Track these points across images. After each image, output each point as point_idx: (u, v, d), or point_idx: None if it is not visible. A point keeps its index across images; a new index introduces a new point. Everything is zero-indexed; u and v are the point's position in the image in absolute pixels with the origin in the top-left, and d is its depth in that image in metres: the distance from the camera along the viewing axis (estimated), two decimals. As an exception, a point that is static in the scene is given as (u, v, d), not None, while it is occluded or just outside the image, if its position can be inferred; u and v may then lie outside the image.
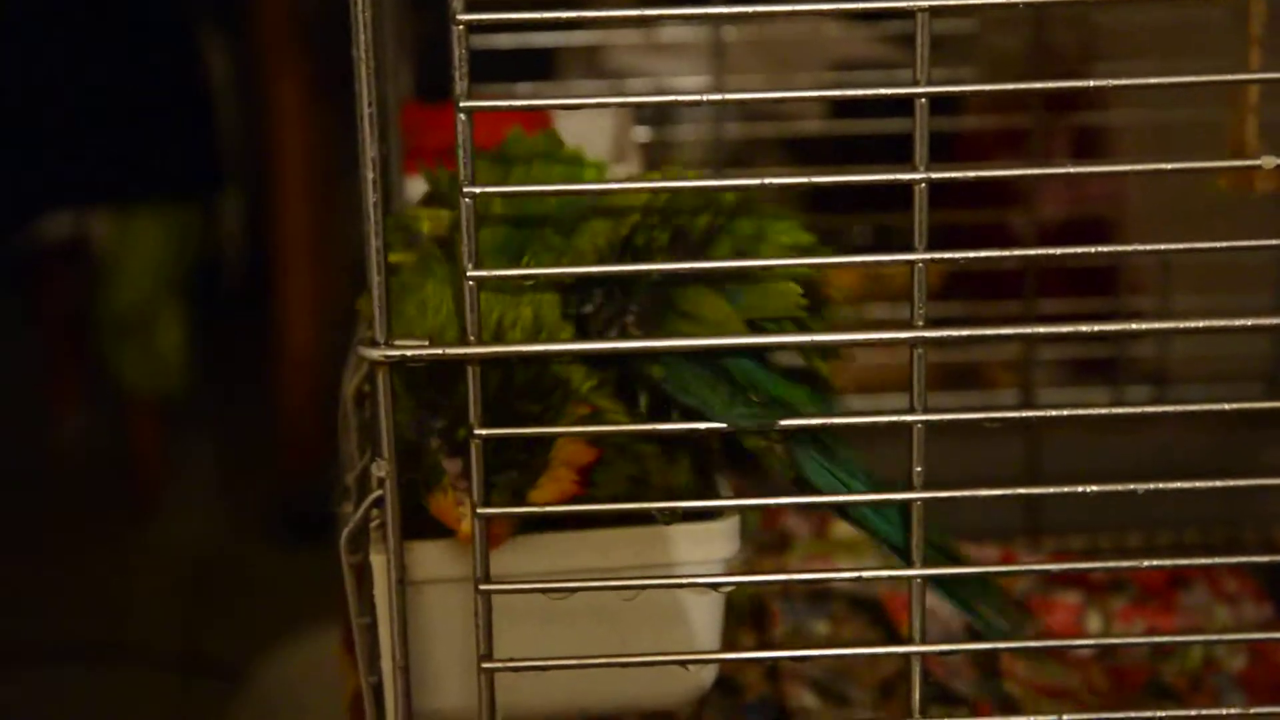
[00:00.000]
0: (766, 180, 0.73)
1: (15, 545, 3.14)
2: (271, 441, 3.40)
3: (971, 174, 0.78)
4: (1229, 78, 0.76)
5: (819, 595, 1.14)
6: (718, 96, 0.74)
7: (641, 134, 1.43)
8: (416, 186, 1.19)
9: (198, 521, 3.35)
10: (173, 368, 3.40)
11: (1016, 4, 0.74)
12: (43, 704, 2.67)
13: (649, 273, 0.77)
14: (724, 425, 0.75)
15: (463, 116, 0.70)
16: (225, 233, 3.57)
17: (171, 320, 3.37)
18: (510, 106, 0.71)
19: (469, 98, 0.70)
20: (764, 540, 1.18)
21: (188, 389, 3.45)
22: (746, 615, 1.13)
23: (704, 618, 0.80)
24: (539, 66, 1.60)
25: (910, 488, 0.74)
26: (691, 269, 0.77)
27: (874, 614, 1.12)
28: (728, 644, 0.86)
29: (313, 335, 3.37)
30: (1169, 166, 0.75)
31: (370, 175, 0.71)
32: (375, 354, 0.72)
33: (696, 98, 0.75)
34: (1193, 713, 0.76)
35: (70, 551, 3.16)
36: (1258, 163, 0.74)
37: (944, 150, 1.14)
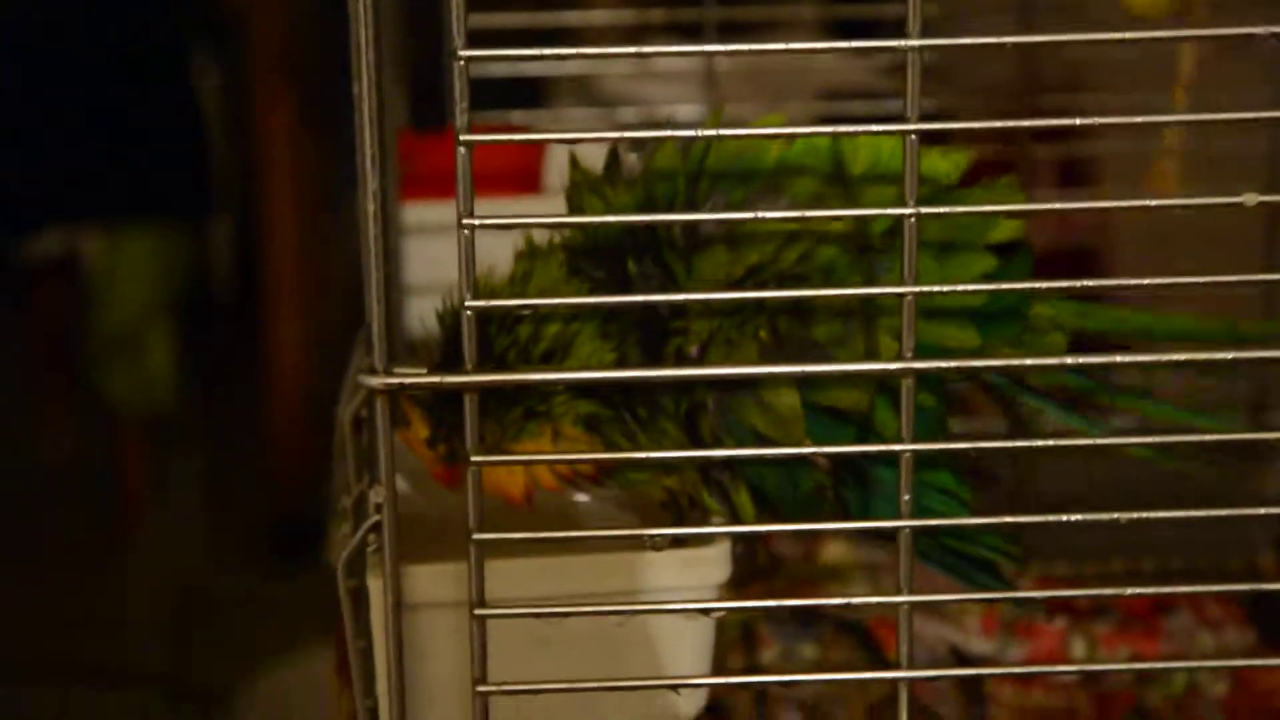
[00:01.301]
0: (758, 214, 0.75)
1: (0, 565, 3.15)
2: (259, 463, 3.40)
3: (959, 210, 0.80)
4: (1208, 116, 0.77)
5: (807, 618, 1.15)
6: (712, 133, 0.75)
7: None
8: (412, 214, 1.20)
9: (184, 542, 3.35)
10: (161, 388, 3.40)
11: (1004, 44, 0.75)
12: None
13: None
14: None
15: (463, 150, 0.71)
16: (215, 254, 3.58)
17: (161, 340, 3.38)
18: (510, 140, 0.73)
19: (469, 131, 0.71)
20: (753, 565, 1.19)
21: (176, 409, 3.45)
22: (736, 638, 1.14)
23: (695, 642, 0.81)
24: (530, 94, 1.61)
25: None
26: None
27: (862, 638, 1.14)
28: (717, 667, 0.87)
29: (301, 357, 3.38)
30: (1153, 203, 0.77)
31: (371, 208, 0.72)
32: (374, 381, 0.73)
33: (691, 133, 0.76)
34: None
35: (56, 571, 3.16)
36: (1240, 199, 0.76)
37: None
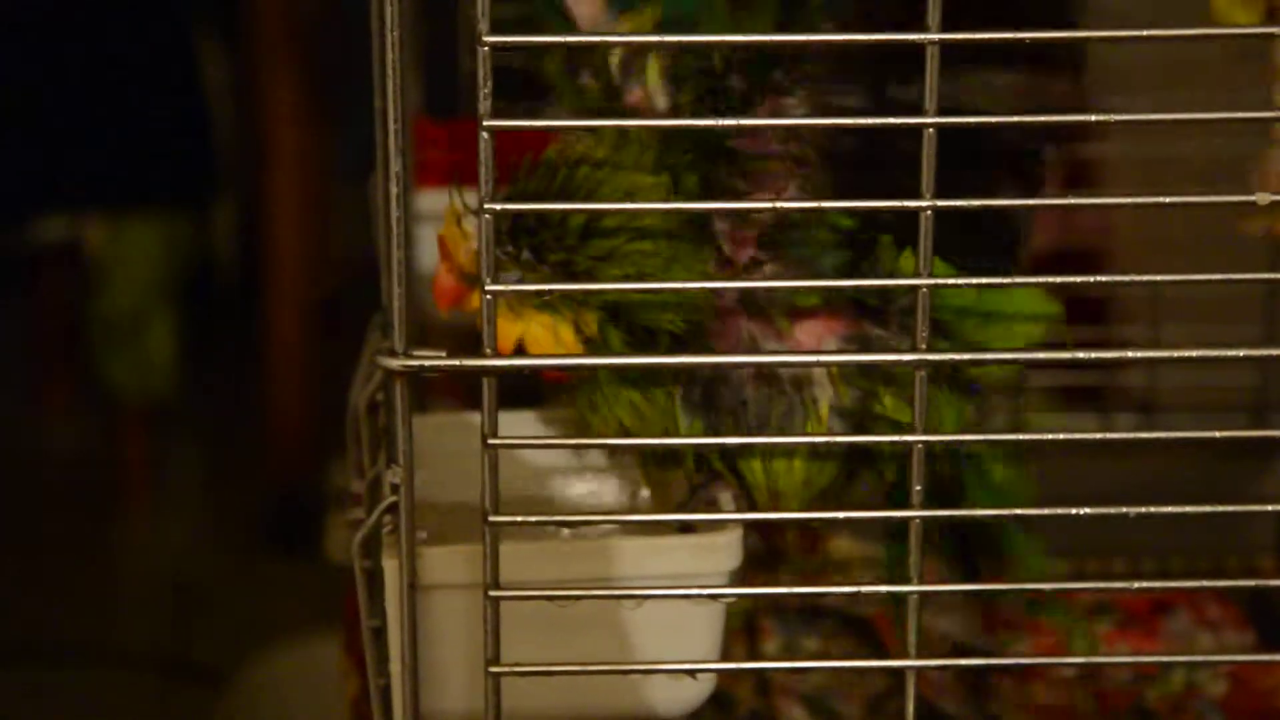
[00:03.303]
0: (778, 204, 0.76)
1: (2, 548, 3.15)
2: (259, 449, 3.41)
3: (977, 203, 0.80)
4: (1226, 115, 0.77)
5: (810, 612, 1.16)
6: (731, 121, 0.76)
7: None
8: (426, 201, 1.21)
9: (185, 527, 3.35)
10: (164, 373, 3.40)
11: (1022, 39, 0.76)
12: (27, 707, 2.68)
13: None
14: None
15: (485, 135, 0.72)
16: (218, 239, 3.58)
17: (163, 326, 3.38)
18: (532, 126, 0.73)
19: (492, 117, 0.72)
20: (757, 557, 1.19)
21: (178, 395, 3.46)
22: (738, 629, 1.15)
23: (705, 629, 0.82)
24: (539, 87, 1.61)
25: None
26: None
27: (864, 632, 1.14)
28: (722, 657, 0.88)
29: (302, 343, 3.38)
30: (1166, 200, 0.78)
31: (394, 189, 0.73)
32: (393, 363, 0.74)
33: (711, 122, 0.77)
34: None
35: (57, 555, 3.16)
36: (1252, 198, 0.76)
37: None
